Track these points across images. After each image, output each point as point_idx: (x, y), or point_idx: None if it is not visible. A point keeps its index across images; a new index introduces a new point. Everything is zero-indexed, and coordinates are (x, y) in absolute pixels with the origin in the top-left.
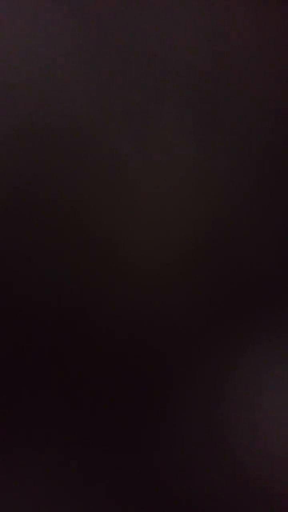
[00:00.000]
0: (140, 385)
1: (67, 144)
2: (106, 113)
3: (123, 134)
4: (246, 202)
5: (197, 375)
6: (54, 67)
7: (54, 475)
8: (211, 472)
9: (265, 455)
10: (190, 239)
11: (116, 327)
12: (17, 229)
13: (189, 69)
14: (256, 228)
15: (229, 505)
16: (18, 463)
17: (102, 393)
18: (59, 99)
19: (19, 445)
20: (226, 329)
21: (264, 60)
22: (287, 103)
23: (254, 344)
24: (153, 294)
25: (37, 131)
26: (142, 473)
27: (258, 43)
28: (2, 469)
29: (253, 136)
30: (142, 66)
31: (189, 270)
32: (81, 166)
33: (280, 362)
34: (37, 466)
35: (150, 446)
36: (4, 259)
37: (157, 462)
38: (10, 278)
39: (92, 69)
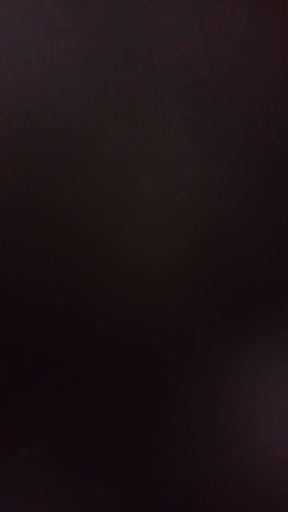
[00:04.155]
0: (140, 384)
1: (68, 144)
2: (107, 114)
3: (124, 134)
4: (246, 202)
5: (197, 375)
6: (55, 68)
7: (54, 475)
8: (210, 472)
9: (264, 454)
10: (190, 239)
11: (116, 327)
12: (18, 229)
13: (190, 70)
14: (256, 228)
15: (229, 504)
16: (19, 462)
17: (101, 392)
18: (60, 100)
19: (19, 444)
20: (226, 329)
21: (264, 60)
22: (287, 103)
23: (254, 344)
24: (154, 293)
25: (38, 131)
26: (142, 471)
27: (258, 44)
28: (2, 470)
29: (253, 136)
30: (143, 67)
31: (189, 270)
32: (82, 166)
33: (280, 362)
34: (36, 465)
35: (150, 445)
36: (4, 259)
37: (157, 461)
38: (10, 278)
39: (92, 69)
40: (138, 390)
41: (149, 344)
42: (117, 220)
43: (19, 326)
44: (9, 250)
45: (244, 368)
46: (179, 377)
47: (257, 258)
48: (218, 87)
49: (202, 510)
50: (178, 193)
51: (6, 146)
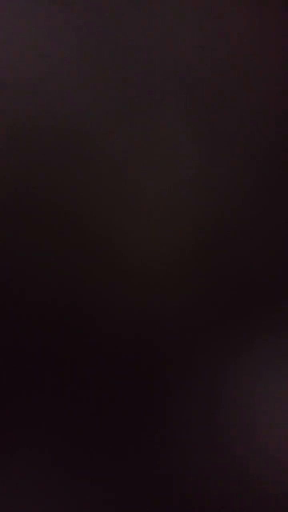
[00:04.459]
0: (140, 384)
1: (68, 144)
2: (107, 114)
3: (124, 134)
4: (246, 202)
5: (197, 375)
6: (55, 68)
7: (54, 475)
8: (210, 472)
9: (264, 454)
10: (190, 239)
11: (116, 327)
12: (18, 229)
13: (190, 70)
14: (256, 228)
15: (229, 504)
16: (18, 463)
17: (101, 392)
18: (60, 100)
19: (19, 444)
20: (226, 329)
21: (264, 60)
22: (287, 103)
23: (254, 344)
24: (153, 294)
25: (38, 131)
26: (142, 471)
27: (258, 44)
28: (2, 470)
29: (253, 136)
30: (143, 67)
31: (189, 270)
32: (82, 166)
33: (280, 362)
34: (36, 465)
35: (150, 445)
36: (4, 259)
37: (157, 461)
38: (10, 278)
39: (92, 69)
40: (138, 390)
41: (149, 344)
42: (117, 220)
43: (19, 326)
44: (9, 250)
45: (244, 368)
46: (179, 377)
47: (257, 258)
48: (218, 87)
49: (202, 510)
50: (178, 193)
51: (6, 146)
